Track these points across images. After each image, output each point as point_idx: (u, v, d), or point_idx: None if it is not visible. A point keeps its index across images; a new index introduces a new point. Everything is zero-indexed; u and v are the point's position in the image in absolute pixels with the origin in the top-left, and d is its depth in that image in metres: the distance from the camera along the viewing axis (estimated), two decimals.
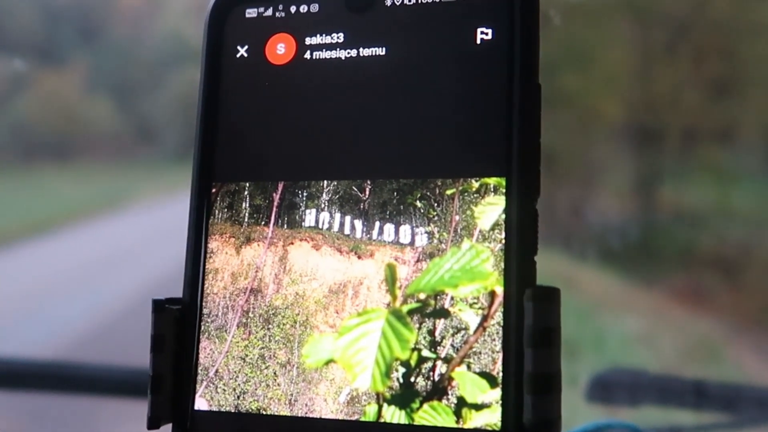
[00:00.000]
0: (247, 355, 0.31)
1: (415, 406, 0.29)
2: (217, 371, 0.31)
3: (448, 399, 0.28)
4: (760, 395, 0.76)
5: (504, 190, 0.29)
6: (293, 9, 0.33)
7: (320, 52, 0.32)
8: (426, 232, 0.30)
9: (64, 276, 4.75)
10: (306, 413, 0.30)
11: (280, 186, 0.32)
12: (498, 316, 0.28)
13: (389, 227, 0.30)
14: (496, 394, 0.28)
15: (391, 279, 0.30)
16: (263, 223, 0.32)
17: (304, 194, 0.31)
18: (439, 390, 0.29)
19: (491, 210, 0.29)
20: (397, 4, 0.31)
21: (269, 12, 0.33)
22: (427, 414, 0.29)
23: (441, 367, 0.29)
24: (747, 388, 0.77)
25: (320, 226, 0.31)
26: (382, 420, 0.29)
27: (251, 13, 0.33)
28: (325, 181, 0.31)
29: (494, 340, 0.28)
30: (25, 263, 5.32)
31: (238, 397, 0.31)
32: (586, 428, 0.50)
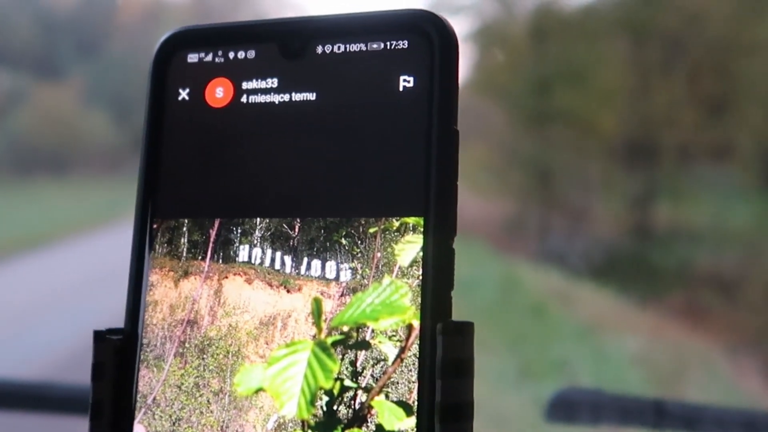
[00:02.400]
0: (183, 384, 0.33)
1: None
2: (154, 399, 0.33)
3: (367, 426, 0.30)
4: (719, 415, 0.78)
5: (422, 229, 0.31)
6: (231, 55, 0.35)
7: (255, 97, 0.34)
8: (350, 268, 0.32)
9: (59, 291, 4.76)
10: None
11: (217, 223, 0.33)
12: (414, 348, 0.30)
13: (316, 263, 0.32)
14: (412, 422, 0.30)
15: (317, 312, 0.32)
16: (200, 257, 0.33)
17: (239, 231, 0.33)
18: (359, 418, 0.30)
19: (410, 248, 0.31)
20: (327, 52, 0.33)
21: (209, 57, 0.35)
22: None
23: (361, 396, 0.30)
24: (706, 408, 0.78)
25: (253, 261, 0.33)
26: None
27: (192, 58, 0.35)
28: (258, 219, 0.33)
29: (410, 371, 0.30)
30: (19, 278, 5.32)
31: (174, 424, 0.32)
32: None
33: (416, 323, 0.30)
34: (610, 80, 6.63)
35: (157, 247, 0.34)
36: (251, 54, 0.34)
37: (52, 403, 0.86)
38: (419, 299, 0.30)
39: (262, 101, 0.34)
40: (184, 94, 0.35)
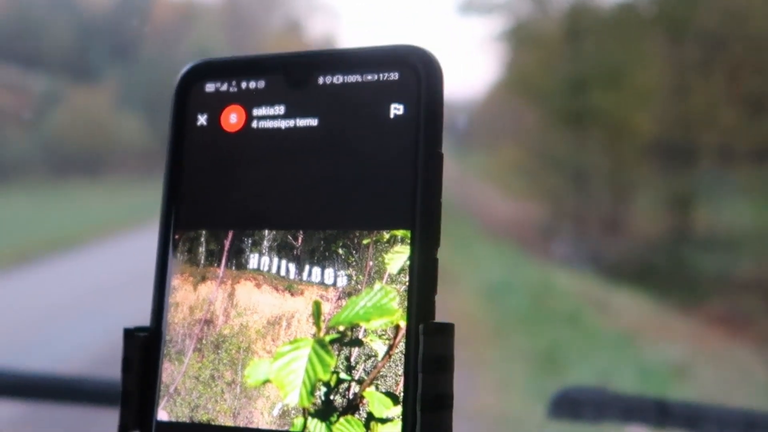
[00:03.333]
0: (200, 375, 0.37)
1: (333, 419, 0.35)
2: (176, 388, 0.37)
3: (359, 414, 0.34)
4: (720, 414, 0.81)
5: (409, 241, 0.35)
6: (244, 85, 0.39)
7: (265, 122, 0.38)
8: (346, 275, 0.36)
9: (93, 291, 4.85)
10: (246, 424, 0.36)
11: (230, 234, 0.38)
12: (401, 346, 0.34)
13: (317, 270, 0.36)
14: (398, 410, 0.34)
15: (317, 313, 0.36)
16: (216, 264, 0.38)
17: (250, 241, 0.38)
18: (352, 406, 0.35)
19: (398, 257, 0.35)
20: (328, 83, 0.38)
21: (224, 87, 0.39)
22: (342, 426, 0.35)
23: (355, 388, 0.35)
24: (708, 408, 0.82)
25: (261, 268, 0.37)
26: (307, 431, 0.35)
27: (210, 87, 0.39)
28: (266, 231, 0.37)
29: (398, 365, 0.34)
30: (55, 278, 5.43)
31: (193, 410, 0.37)
32: None
33: (403, 324, 0.34)
34: (646, 80, 6.51)
35: (179, 255, 0.38)
36: (261, 84, 0.39)
37: (86, 396, 0.91)
38: (406, 303, 0.35)
39: (271, 126, 0.38)
40: (202, 119, 0.39)
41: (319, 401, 0.35)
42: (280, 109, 0.38)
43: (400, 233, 0.35)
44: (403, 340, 0.34)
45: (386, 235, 0.35)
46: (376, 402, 0.34)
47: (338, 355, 0.35)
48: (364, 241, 0.36)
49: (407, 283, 0.35)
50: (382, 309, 0.35)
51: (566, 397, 0.76)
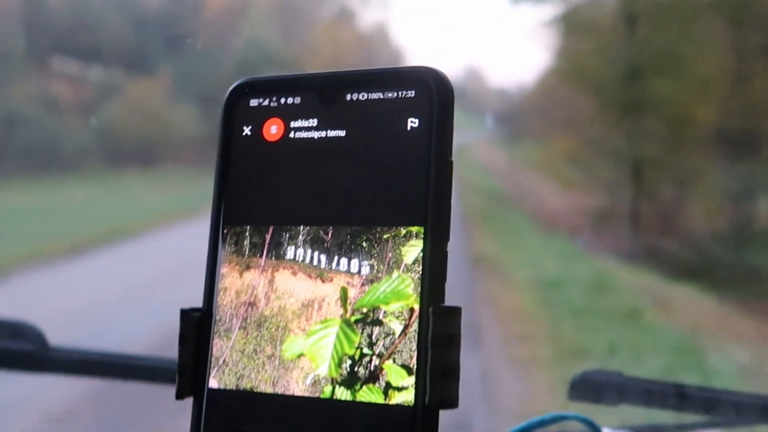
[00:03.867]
0: (245, 349, 0.43)
1: (357, 387, 0.41)
2: (224, 360, 0.44)
3: (379, 383, 0.40)
4: (738, 400, 0.85)
5: (423, 236, 0.41)
6: (283, 101, 0.45)
7: (300, 133, 0.44)
8: (369, 265, 0.42)
9: (148, 281, 4.97)
10: (284, 391, 0.42)
11: (270, 229, 0.44)
12: (415, 326, 0.40)
13: (344, 260, 0.42)
14: (412, 380, 0.40)
15: (344, 298, 0.42)
16: (258, 255, 0.44)
17: (287, 235, 0.44)
18: (373, 377, 0.41)
19: (413, 250, 0.41)
20: (354, 99, 0.44)
21: (266, 102, 0.45)
22: (365, 393, 0.41)
23: (375, 361, 0.41)
24: (725, 393, 0.86)
25: (297, 259, 0.43)
26: (335, 397, 0.41)
27: (254, 103, 0.46)
28: (301, 226, 0.44)
29: (412, 342, 0.40)
30: (112, 267, 5.57)
31: (238, 379, 0.43)
32: (543, 419, 0.60)
33: (416, 307, 0.40)
34: (706, 66, 6.30)
35: (227, 247, 0.45)
36: (297, 100, 0.45)
37: (143, 374, 0.99)
38: (419, 289, 0.40)
39: (305, 137, 0.44)
40: (247, 130, 0.46)
41: (345, 372, 0.41)
42: (313, 122, 0.44)
43: (414, 229, 0.41)
44: (417, 320, 0.40)
45: (403, 231, 0.41)
46: (393, 373, 0.40)
47: (362, 333, 0.41)
48: (385, 236, 0.42)
49: (420, 272, 0.41)
50: (399, 294, 0.41)
51: (585, 379, 0.81)
